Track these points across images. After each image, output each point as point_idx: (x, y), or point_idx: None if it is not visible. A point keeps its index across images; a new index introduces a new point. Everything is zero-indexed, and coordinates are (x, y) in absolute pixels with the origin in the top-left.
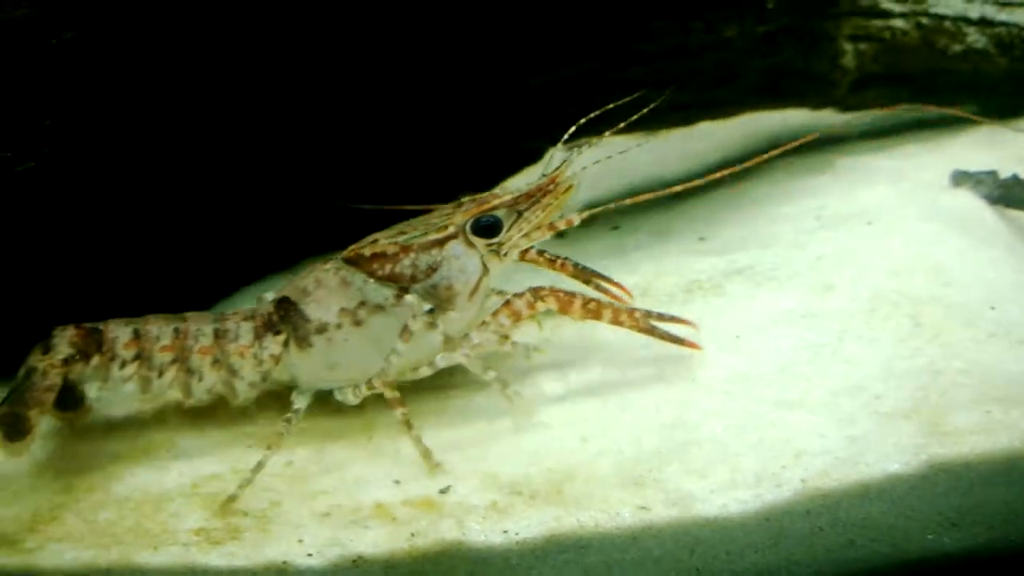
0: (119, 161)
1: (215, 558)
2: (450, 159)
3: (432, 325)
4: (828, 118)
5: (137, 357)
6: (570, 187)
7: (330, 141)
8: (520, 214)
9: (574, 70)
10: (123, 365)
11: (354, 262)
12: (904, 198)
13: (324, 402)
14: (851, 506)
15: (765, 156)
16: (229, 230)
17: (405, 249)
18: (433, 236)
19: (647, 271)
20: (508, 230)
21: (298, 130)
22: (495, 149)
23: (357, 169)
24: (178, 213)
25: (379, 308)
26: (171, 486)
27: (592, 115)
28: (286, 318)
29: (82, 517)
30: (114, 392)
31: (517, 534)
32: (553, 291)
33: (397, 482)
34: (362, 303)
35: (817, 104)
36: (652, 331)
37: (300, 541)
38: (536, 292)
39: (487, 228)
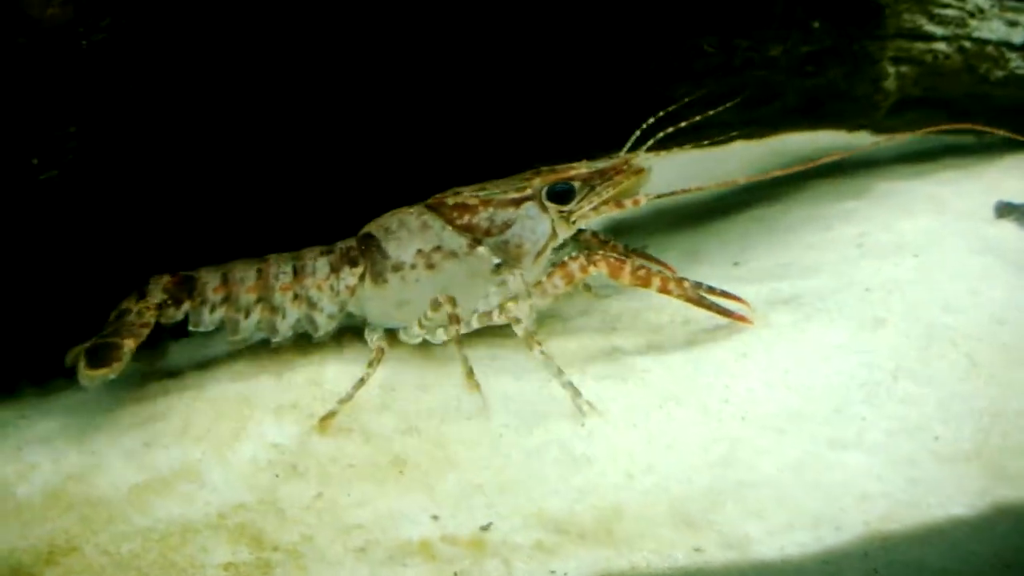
0: (144, 168)
1: None
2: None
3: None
4: (861, 140)
5: (225, 300)
6: (642, 171)
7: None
8: (592, 188)
9: (615, 88)
10: (213, 309)
11: (436, 208)
12: (948, 229)
13: (352, 433)
14: (909, 549)
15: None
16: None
17: (485, 203)
18: (512, 195)
19: None
20: (579, 200)
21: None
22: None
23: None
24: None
25: (452, 255)
26: (197, 517)
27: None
28: (367, 252)
29: (102, 549)
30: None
31: (566, 574)
32: (605, 256)
33: (435, 517)
34: (438, 247)
35: (854, 126)
36: (700, 302)
37: None
38: (589, 256)
39: (562, 194)
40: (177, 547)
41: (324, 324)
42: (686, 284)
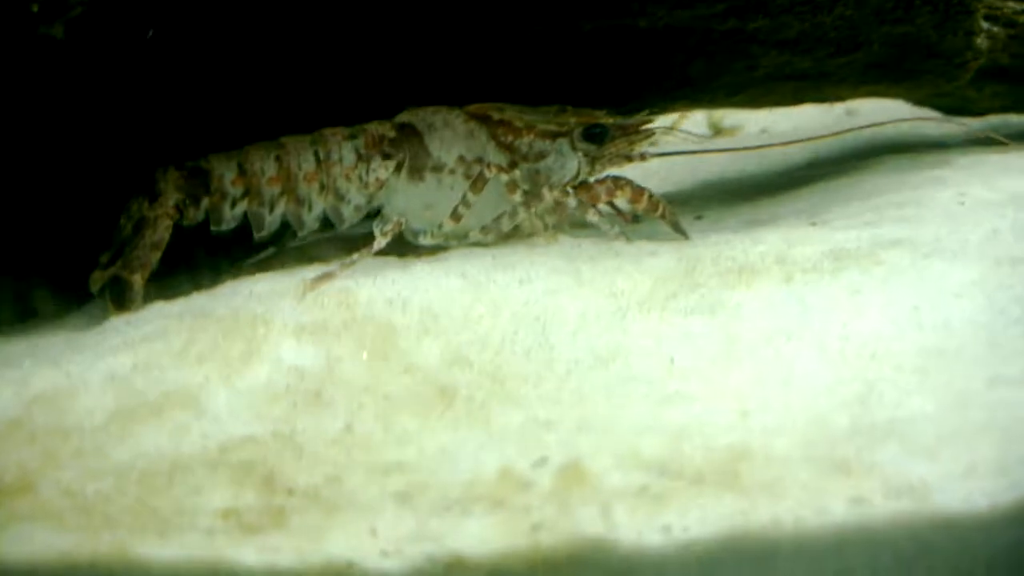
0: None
1: (249, 552)
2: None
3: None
4: (923, 124)
5: (246, 194)
6: (652, 133)
7: None
8: (615, 139)
9: (688, 13)
10: (234, 204)
11: (481, 119)
12: None
13: (389, 361)
14: None
15: None
16: None
17: (528, 128)
18: (552, 127)
19: (774, 240)
20: (608, 146)
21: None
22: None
23: None
24: None
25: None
26: (191, 451)
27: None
28: (406, 144)
29: (63, 489)
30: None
31: (686, 531)
32: (629, 183)
33: (498, 457)
34: (479, 159)
35: (933, 92)
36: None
37: (372, 532)
38: (616, 181)
39: (595, 136)
40: (161, 489)
41: (350, 216)
42: (674, 212)
